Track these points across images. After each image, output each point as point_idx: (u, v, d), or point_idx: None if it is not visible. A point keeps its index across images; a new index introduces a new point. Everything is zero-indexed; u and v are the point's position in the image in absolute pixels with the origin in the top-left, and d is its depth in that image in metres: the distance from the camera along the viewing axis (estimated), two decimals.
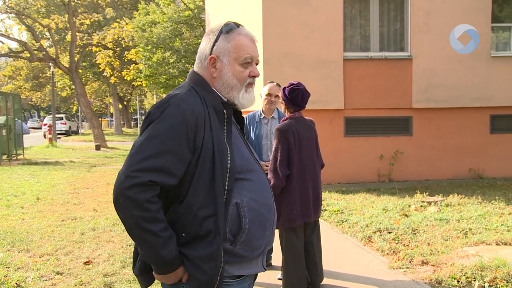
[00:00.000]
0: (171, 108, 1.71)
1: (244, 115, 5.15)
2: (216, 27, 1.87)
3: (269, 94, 4.80)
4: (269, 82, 4.89)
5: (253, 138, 4.91)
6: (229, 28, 1.85)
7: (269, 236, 1.88)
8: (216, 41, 1.84)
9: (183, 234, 1.70)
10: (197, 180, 1.70)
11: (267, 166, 4.72)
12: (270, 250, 4.98)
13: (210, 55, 1.84)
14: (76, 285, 4.35)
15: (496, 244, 5.32)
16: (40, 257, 5.21)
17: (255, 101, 1.93)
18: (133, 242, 1.79)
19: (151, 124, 1.72)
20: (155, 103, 1.81)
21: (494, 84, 10.44)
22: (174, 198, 1.73)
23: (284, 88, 4.09)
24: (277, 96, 4.80)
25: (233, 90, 1.84)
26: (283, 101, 4.10)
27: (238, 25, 1.87)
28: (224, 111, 1.81)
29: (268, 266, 4.92)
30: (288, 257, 4.06)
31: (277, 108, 4.95)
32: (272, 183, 3.92)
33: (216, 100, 1.82)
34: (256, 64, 1.90)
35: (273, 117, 4.90)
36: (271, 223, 1.88)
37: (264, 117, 4.91)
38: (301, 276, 4.05)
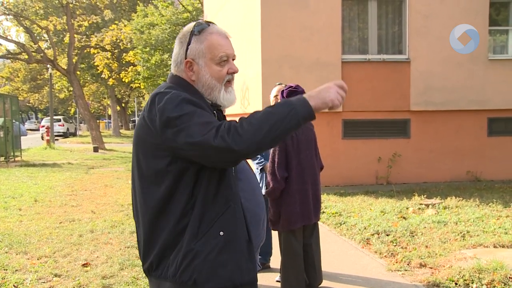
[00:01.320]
0: (175, 96, 1.67)
1: None
2: (187, 29, 1.83)
3: (276, 96, 4.83)
4: (278, 84, 4.93)
5: None
6: (200, 28, 1.80)
7: (263, 234, 1.90)
8: (189, 44, 1.80)
9: (221, 233, 1.67)
10: (224, 176, 1.70)
11: None
12: (269, 253, 4.99)
13: (186, 59, 1.80)
14: (74, 287, 4.34)
15: (494, 247, 5.33)
16: (38, 259, 5.21)
17: (236, 100, 1.91)
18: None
19: (171, 117, 1.63)
20: (146, 108, 1.74)
21: (491, 87, 10.47)
22: (207, 196, 1.68)
23: (282, 91, 4.12)
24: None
25: (213, 91, 1.81)
26: None
27: (209, 24, 1.83)
28: (214, 112, 1.80)
29: (266, 268, 4.93)
30: (287, 259, 4.06)
31: None
32: (271, 186, 3.94)
33: (205, 102, 1.80)
34: (233, 59, 1.86)
35: None
36: (264, 220, 1.90)
37: None
38: (299, 278, 4.05)
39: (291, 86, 4.09)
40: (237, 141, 1.56)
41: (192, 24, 1.84)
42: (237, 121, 1.61)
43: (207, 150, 1.58)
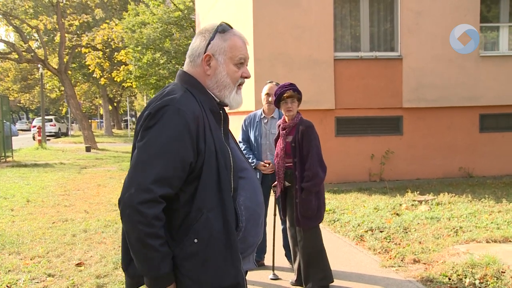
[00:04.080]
0: (171, 113, 1.68)
1: (245, 116, 5.18)
2: (211, 26, 1.88)
3: (268, 94, 4.83)
4: (269, 82, 4.92)
5: (253, 138, 4.93)
6: (224, 28, 1.86)
7: (261, 233, 1.92)
8: (211, 39, 1.84)
9: (196, 240, 1.68)
10: (204, 182, 1.70)
11: (264, 166, 4.77)
12: (263, 250, 4.99)
13: (205, 53, 1.84)
14: (68, 287, 4.32)
15: (486, 242, 5.37)
16: (31, 259, 5.17)
17: (242, 103, 1.94)
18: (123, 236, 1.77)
19: (151, 128, 1.69)
20: (151, 104, 1.76)
21: (483, 84, 10.54)
22: (182, 204, 1.71)
23: (296, 88, 4.19)
24: None
25: (225, 89, 1.85)
26: (298, 100, 4.19)
27: (231, 27, 1.90)
28: (220, 112, 1.84)
29: (261, 265, 4.93)
30: (315, 254, 4.14)
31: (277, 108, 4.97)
32: (319, 177, 4.01)
33: (212, 102, 1.83)
34: (247, 65, 1.93)
35: (273, 117, 4.92)
36: (263, 220, 1.93)
37: (264, 116, 4.95)
38: (328, 273, 4.19)
39: (285, 86, 4.16)
40: (126, 218, 1.64)
41: (215, 23, 1.90)
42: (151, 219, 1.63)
43: (124, 191, 1.66)
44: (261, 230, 1.92)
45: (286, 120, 4.27)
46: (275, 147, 4.36)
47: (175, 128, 1.67)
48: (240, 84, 1.89)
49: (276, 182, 4.53)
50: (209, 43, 1.84)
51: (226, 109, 1.99)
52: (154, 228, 1.62)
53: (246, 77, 1.89)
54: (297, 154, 4.09)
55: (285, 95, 4.15)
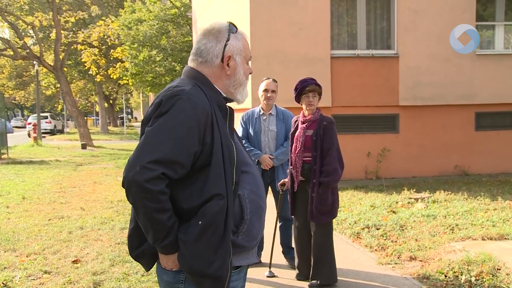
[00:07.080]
0: (183, 102, 1.75)
1: (243, 113, 5.19)
2: (222, 27, 1.94)
3: (265, 90, 4.80)
4: (266, 79, 4.89)
5: (252, 135, 4.92)
6: (234, 29, 1.97)
7: (263, 227, 1.99)
8: (228, 40, 1.92)
9: (200, 222, 1.73)
10: (214, 172, 1.76)
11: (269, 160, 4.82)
12: (261, 247, 4.99)
13: (224, 53, 1.91)
14: (64, 284, 4.31)
15: (482, 239, 5.40)
16: (27, 256, 5.16)
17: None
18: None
19: (163, 115, 1.75)
20: (161, 94, 1.83)
21: (479, 82, 10.58)
22: (195, 188, 1.77)
23: (317, 82, 4.23)
24: (273, 91, 4.80)
25: (241, 86, 1.98)
26: (319, 94, 4.25)
27: (236, 27, 2.00)
28: (227, 107, 1.91)
29: (258, 263, 4.93)
30: (331, 250, 4.24)
31: (275, 105, 4.95)
32: (340, 173, 4.13)
33: (219, 97, 1.90)
34: None
35: (271, 113, 4.90)
36: (265, 213, 1.99)
37: (263, 113, 4.92)
38: (335, 266, 4.33)
39: (306, 80, 4.20)
40: (133, 195, 1.70)
41: (222, 22, 1.96)
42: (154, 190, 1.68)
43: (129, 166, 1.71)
44: (263, 224, 1.98)
45: (305, 114, 4.27)
46: (293, 143, 4.31)
47: (185, 115, 1.73)
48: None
49: (282, 180, 4.52)
50: (226, 44, 1.91)
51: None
52: (161, 203, 1.69)
53: (251, 73, 2.02)
54: (317, 148, 4.10)
55: (307, 88, 4.15)
